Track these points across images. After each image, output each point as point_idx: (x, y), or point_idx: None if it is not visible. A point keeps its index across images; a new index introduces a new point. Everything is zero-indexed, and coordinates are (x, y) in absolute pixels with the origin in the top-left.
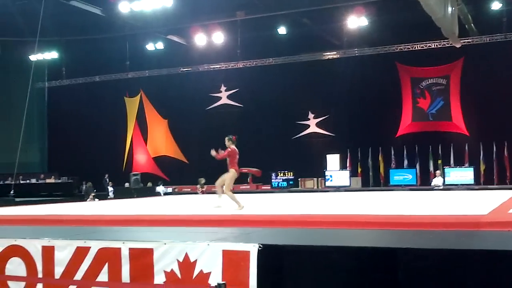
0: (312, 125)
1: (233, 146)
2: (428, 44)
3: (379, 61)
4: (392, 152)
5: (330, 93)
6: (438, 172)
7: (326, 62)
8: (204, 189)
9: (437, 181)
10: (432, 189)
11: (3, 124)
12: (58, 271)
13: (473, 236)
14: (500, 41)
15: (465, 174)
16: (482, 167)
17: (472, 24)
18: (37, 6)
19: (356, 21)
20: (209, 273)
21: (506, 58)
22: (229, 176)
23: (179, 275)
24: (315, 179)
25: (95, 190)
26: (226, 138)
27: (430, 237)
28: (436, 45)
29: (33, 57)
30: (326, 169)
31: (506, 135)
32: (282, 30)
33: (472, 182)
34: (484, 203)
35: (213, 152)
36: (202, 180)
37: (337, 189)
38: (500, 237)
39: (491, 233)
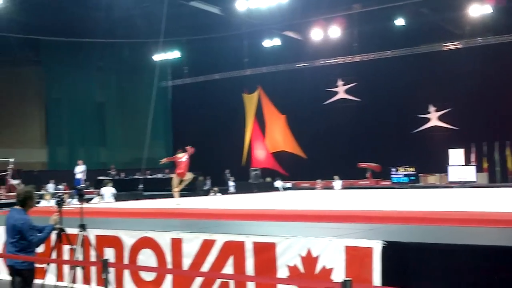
0: (434, 119)
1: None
2: None
3: (504, 50)
4: None
5: (451, 85)
6: None
7: (446, 53)
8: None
9: None
10: None
11: (131, 122)
12: (186, 262)
13: None
14: None
15: None
16: None
17: None
18: (160, 8)
19: (479, 9)
20: (332, 269)
21: None
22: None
23: (302, 270)
24: (437, 174)
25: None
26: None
27: None
28: None
29: (157, 57)
30: (448, 164)
31: None
32: (399, 21)
33: None
34: None
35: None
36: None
37: (462, 185)
38: None
39: None
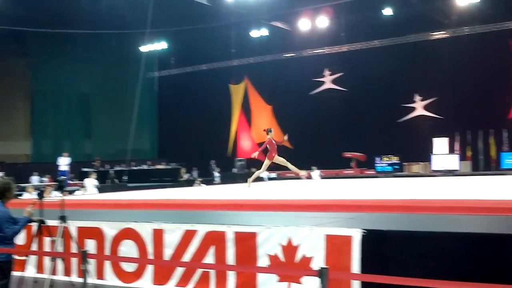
0: (419, 108)
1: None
2: None
3: (490, 39)
4: (505, 135)
5: (437, 74)
6: None
7: (433, 43)
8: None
9: None
10: None
11: (117, 113)
12: (168, 253)
13: None
14: None
15: None
16: None
17: None
18: None
19: None
20: (312, 257)
21: None
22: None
23: (282, 259)
24: (421, 163)
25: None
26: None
27: None
28: None
29: (143, 48)
30: (432, 152)
31: None
32: (387, 11)
33: None
34: None
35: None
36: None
37: (445, 173)
38: None
39: None
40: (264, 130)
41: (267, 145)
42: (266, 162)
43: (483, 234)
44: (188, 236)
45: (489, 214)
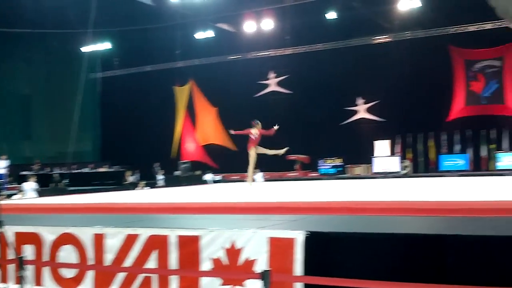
0: (361, 111)
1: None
2: (482, 26)
3: (431, 44)
4: (444, 138)
5: (379, 78)
6: None
7: (376, 46)
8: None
9: None
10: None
11: (58, 115)
12: (109, 258)
13: None
14: None
15: None
16: None
17: None
18: None
19: (408, 3)
20: (255, 260)
21: None
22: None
23: (225, 262)
24: (363, 165)
25: (133, 178)
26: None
27: (480, 224)
28: (490, 26)
29: (85, 48)
30: (374, 155)
31: None
32: (331, 14)
33: None
34: None
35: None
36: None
37: (386, 175)
38: None
39: None
40: (253, 123)
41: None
42: (250, 153)
43: (422, 235)
44: (130, 240)
45: (428, 215)
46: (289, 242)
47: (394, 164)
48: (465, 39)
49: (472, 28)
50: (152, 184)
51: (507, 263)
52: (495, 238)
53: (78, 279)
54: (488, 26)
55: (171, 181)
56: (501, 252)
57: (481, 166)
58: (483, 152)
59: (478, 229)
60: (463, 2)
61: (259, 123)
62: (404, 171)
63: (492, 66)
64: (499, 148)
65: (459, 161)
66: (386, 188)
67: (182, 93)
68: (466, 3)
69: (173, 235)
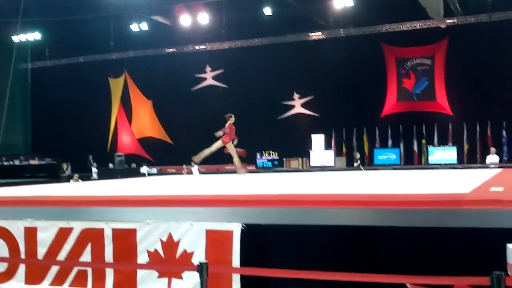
0: (297, 106)
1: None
2: (414, 24)
3: (364, 42)
4: (377, 132)
5: (315, 73)
6: (493, 149)
7: (311, 43)
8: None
9: (492, 158)
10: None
11: None
12: (41, 251)
13: (454, 214)
14: (485, 21)
15: (449, 154)
16: (466, 147)
17: (457, 4)
18: None
19: (342, 1)
20: (193, 252)
21: (490, 38)
22: None
23: (162, 255)
24: (300, 159)
25: (69, 169)
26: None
27: (412, 216)
28: (421, 25)
29: (16, 38)
30: (311, 149)
31: (489, 115)
32: (267, 10)
33: (455, 161)
34: (466, 182)
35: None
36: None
37: (322, 168)
38: (481, 215)
39: (473, 211)
40: (226, 116)
41: (227, 130)
42: (218, 144)
43: (356, 227)
44: (63, 233)
45: (362, 207)
46: (226, 234)
47: (329, 158)
48: (397, 37)
49: (404, 26)
50: (86, 177)
51: (437, 253)
52: (426, 229)
53: (10, 273)
54: (420, 25)
55: (105, 174)
56: (432, 242)
57: (414, 161)
58: (415, 146)
59: (410, 221)
60: (395, 1)
61: (232, 116)
62: (357, 164)
63: (423, 64)
64: (430, 143)
65: (391, 156)
66: (321, 181)
67: (116, 85)
68: (398, 2)
69: (108, 228)
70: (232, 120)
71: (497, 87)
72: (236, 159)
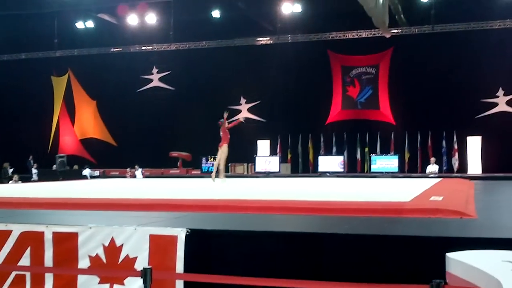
0: (244, 110)
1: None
2: (359, 33)
3: (311, 48)
4: (322, 139)
5: (262, 78)
6: (433, 159)
7: (259, 47)
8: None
9: (432, 168)
10: (359, 177)
11: None
12: None
13: (395, 222)
14: (428, 32)
15: (390, 162)
16: (407, 156)
17: (402, 15)
18: None
19: (290, 7)
20: (136, 257)
21: (433, 49)
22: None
23: (104, 260)
24: (245, 164)
25: (11, 170)
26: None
27: (355, 223)
28: (367, 35)
29: None
30: (256, 154)
31: (430, 125)
32: (216, 13)
33: (396, 170)
34: (407, 190)
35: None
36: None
37: (267, 175)
38: (421, 224)
39: (413, 219)
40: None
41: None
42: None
43: (300, 233)
44: (1, 236)
45: (307, 214)
46: (171, 239)
47: (274, 164)
48: (343, 45)
49: (350, 35)
50: (26, 178)
51: (378, 260)
52: (368, 236)
53: None
54: (365, 34)
55: (46, 176)
56: (374, 249)
57: (357, 168)
58: (358, 154)
59: (353, 228)
60: (342, 9)
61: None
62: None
63: (367, 73)
64: (373, 152)
65: (335, 163)
66: (266, 187)
67: (59, 84)
68: (345, 11)
69: (48, 232)
70: (226, 125)
71: (439, 98)
72: (222, 165)
